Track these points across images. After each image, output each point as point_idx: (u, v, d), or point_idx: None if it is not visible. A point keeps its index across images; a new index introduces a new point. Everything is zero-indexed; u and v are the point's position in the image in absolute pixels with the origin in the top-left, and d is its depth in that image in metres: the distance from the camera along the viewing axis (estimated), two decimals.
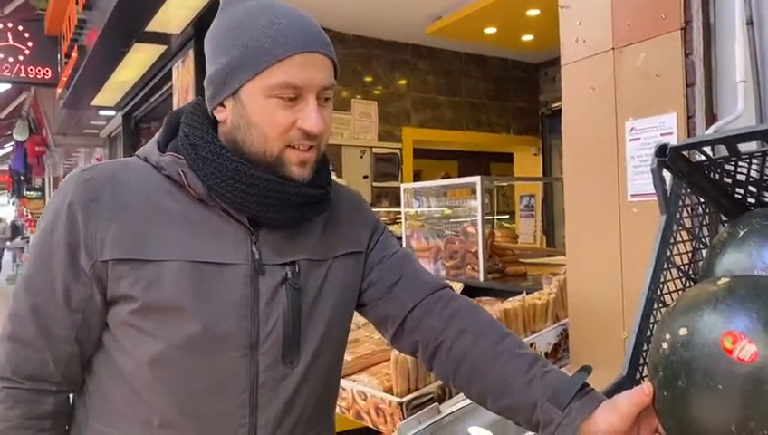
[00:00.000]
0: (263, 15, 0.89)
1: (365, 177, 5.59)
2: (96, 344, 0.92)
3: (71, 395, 0.95)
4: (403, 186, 3.59)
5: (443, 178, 6.93)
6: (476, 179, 2.94)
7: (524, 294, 2.20)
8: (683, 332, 0.72)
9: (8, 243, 17.33)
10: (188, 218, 0.90)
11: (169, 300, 0.86)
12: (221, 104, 0.92)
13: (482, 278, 2.85)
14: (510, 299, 2.18)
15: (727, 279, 0.74)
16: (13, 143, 15.52)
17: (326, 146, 0.97)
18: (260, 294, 0.91)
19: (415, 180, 5.93)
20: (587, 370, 0.89)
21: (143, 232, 0.88)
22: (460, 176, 7.99)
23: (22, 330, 0.89)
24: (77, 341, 0.90)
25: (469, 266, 2.94)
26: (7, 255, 17.21)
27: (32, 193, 18.09)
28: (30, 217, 17.59)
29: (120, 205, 0.88)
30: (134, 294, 0.86)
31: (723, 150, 0.87)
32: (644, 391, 0.77)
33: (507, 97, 6.51)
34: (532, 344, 1.98)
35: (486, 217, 3.33)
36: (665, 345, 0.74)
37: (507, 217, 6.56)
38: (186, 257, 0.88)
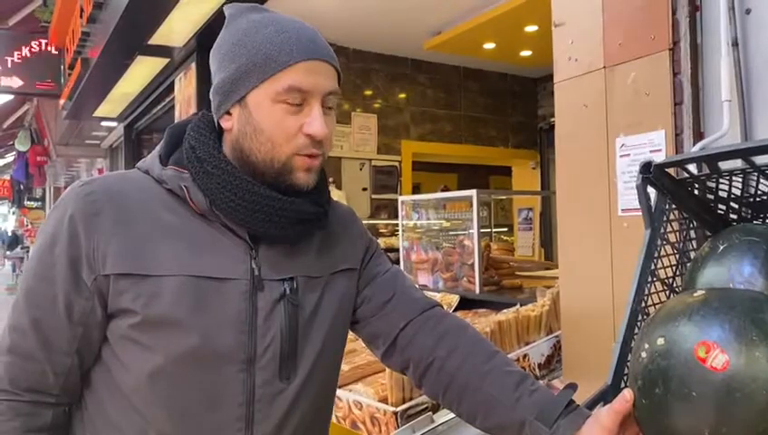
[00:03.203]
0: (269, 26, 0.91)
1: (364, 189, 5.63)
2: (95, 358, 0.92)
3: (68, 408, 0.95)
4: (401, 198, 3.62)
5: (442, 190, 6.97)
6: (472, 193, 2.97)
7: (518, 307, 2.23)
8: (660, 341, 0.75)
9: (8, 252, 17.35)
10: (189, 233, 0.91)
11: (169, 314, 0.86)
12: (227, 112, 0.93)
13: (477, 290, 2.88)
14: (504, 311, 2.20)
15: (703, 291, 0.77)
16: (15, 153, 15.57)
17: (326, 158, 0.98)
18: (258, 309, 0.91)
19: (414, 193, 5.97)
20: (573, 387, 0.91)
21: (144, 247, 0.88)
22: (460, 188, 8.03)
23: (22, 342, 0.88)
24: (77, 353, 0.90)
25: (465, 279, 2.97)
26: (7, 264, 17.21)
27: (32, 203, 18.13)
28: (30, 226, 17.62)
29: (121, 219, 0.88)
30: (134, 308, 0.87)
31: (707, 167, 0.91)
32: (625, 397, 0.79)
33: (506, 111, 6.57)
34: (525, 356, 2.01)
35: (484, 230, 3.36)
36: (644, 354, 0.77)
37: (506, 229, 6.59)
38: (186, 272, 0.88)
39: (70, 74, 6.94)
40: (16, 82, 8.46)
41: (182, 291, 0.87)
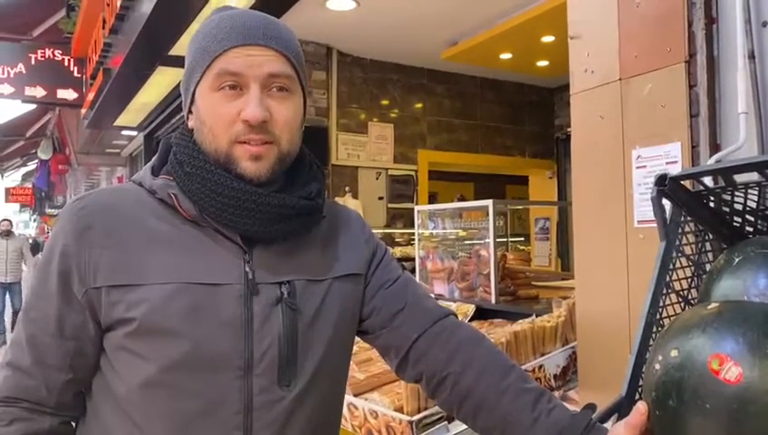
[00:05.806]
0: (214, 21, 0.92)
1: (380, 198, 5.66)
2: (94, 369, 0.92)
3: (72, 421, 0.95)
4: (417, 208, 3.63)
5: (458, 199, 6.98)
6: (489, 203, 2.97)
7: (534, 317, 2.23)
8: (674, 353, 0.75)
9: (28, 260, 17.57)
10: (181, 240, 0.90)
11: (163, 322, 0.85)
12: (190, 112, 0.95)
13: (494, 300, 2.87)
14: (520, 321, 2.20)
15: (717, 304, 0.78)
16: (37, 161, 15.84)
17: (292, 145, 0.94)
18: (254, 314, 0.89)
19: (431, 202, 5.99)
20: (592, 408, 0.91)
21: (136, 257, 0.87)
22: (476, 197, 8.03)
23: (20, 358, 0.90)
24: (71, 368, 0.90)
25: (481, 288, 2.97)
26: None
27: (53, 210, 18.39)
28: (50, 234, 17.86)
29: (113, 231, 0.89)
30: (128, 317, 0.86)
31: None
32: (639, 410, 0.79)
33: (522, 121, 6.58)
34: (541, 367, 2.01)
35: (500, 240, 3.36)
36: (657, 366, 0.77)
37: (522, 239, 6.57)
38: (179, 280, 0.87)
39: (91, 84, 7.07)
40: (40, 92, 8.63)
41: (174, 298, 0.86)
